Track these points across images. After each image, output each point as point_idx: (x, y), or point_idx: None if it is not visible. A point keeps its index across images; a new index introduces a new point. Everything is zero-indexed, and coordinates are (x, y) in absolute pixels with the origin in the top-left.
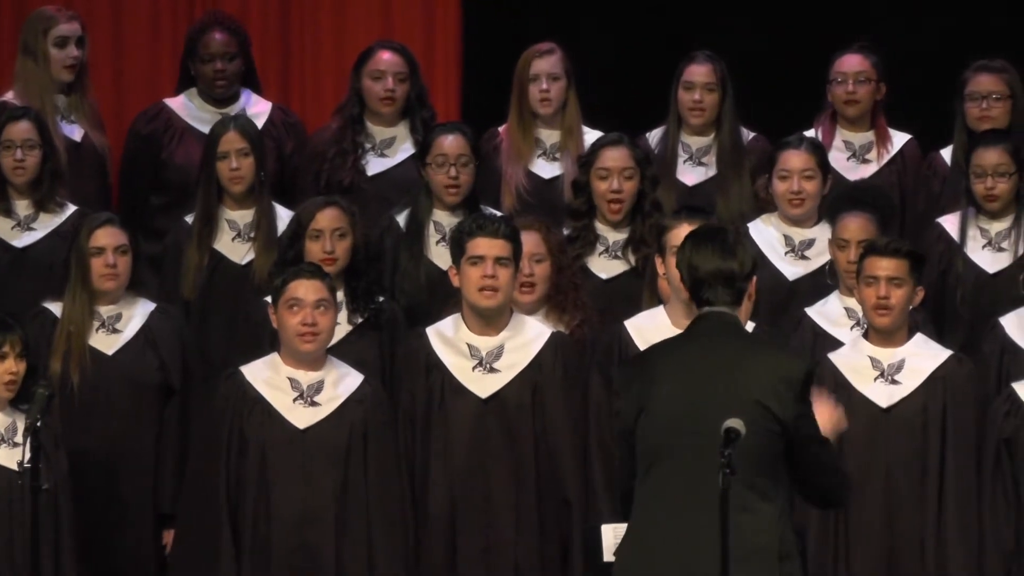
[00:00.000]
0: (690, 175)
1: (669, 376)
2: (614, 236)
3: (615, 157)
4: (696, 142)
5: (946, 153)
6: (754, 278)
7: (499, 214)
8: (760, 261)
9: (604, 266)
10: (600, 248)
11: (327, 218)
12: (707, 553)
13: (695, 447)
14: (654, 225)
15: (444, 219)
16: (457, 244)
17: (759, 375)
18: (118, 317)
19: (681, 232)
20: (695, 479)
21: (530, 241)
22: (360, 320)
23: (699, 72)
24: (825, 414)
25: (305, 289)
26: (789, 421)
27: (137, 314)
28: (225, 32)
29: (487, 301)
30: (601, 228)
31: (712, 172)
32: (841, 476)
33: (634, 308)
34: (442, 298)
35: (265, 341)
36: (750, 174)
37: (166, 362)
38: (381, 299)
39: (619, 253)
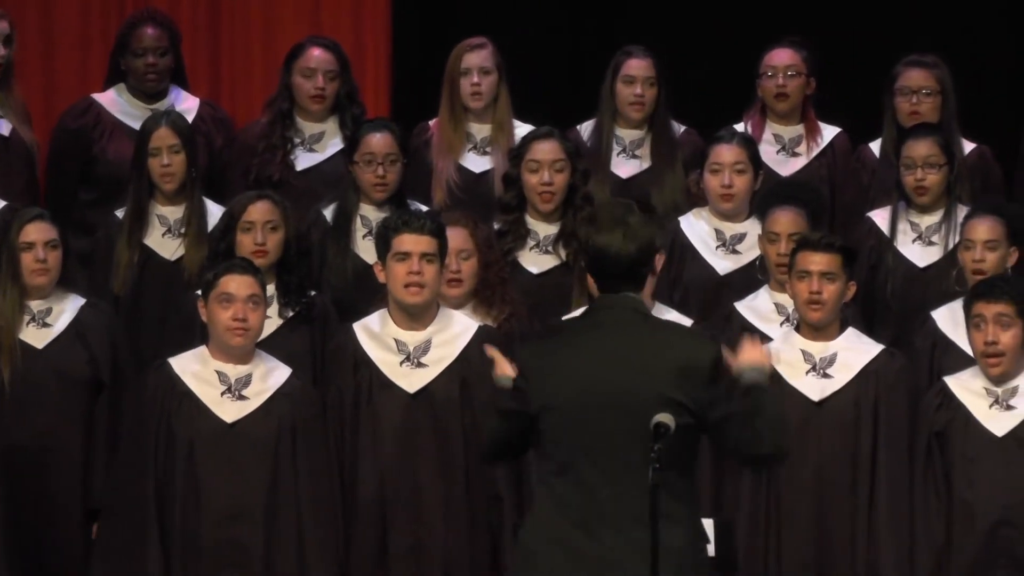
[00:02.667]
0: (624, 168)
1: (573, 369)
2: (545, 230)
3: (545, 150)
4: (629, 135)
5: (875, 146)
6: (657, 254)
7: (425, 210)
8: (691, 255)
9: (535, 260)
10: (531, 243)
11: (259, 211)
12: (606, 555)
13: (603, 444)
14: (585, 219)
15: (371, 213)
16: (382, 240)
17: (665, 368)
18: (48, 311)
19: None
20: (602, 478)
21: (457, 237)
22: (291, 314)
23: (640, 66)
24: (755, 356)
25: (237, 284)
26: (702, 409)
27: (67, 308)
28: (157, 27)
29: (413, 298)
30: (532, 222)
31: (646, 164)
32: (781, 432)
33: (565, 302)
34: (369, 292)
35: (197, 336)
36: (684, 166)
37: (96, 356)
38: (313, 293)
39: (550, 248)
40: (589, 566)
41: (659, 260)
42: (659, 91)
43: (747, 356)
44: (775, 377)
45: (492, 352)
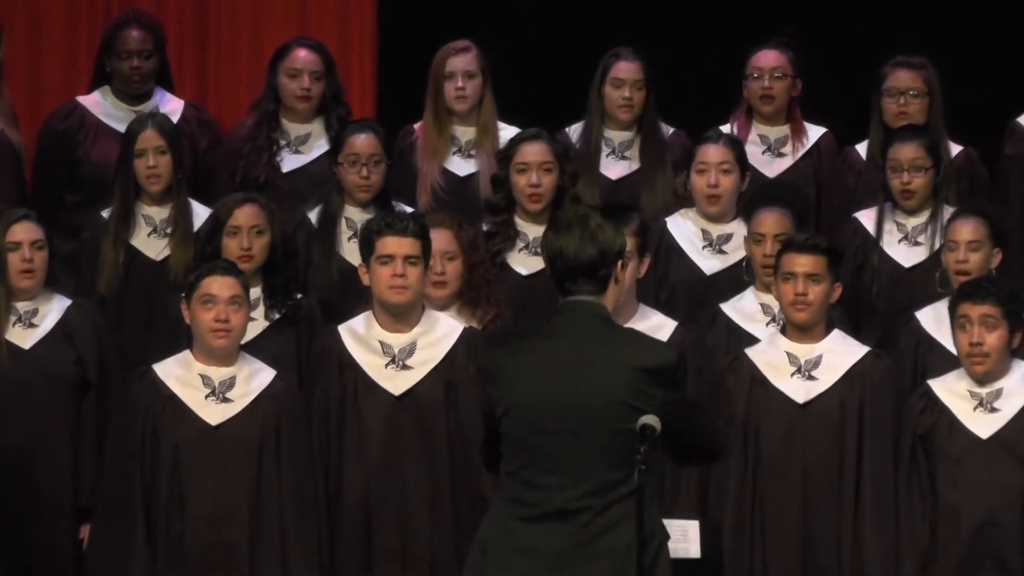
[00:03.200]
0: (613, 169)
1: (532, 373)
2: (534, 232)
3: (534, 151)
4: (618, 136)
5: (861, 148)
6: (619, 262)
7: (409, 211)
8: (677, 256)
9: (524, 262)
10: (520, 244)
11: (245, 215)
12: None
13: (559, 447)
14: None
15: (356, 215)
16: (366, 243)
17: (622, 373)
18: (35, 312)
19: None
20: (556, 480)
21: (441, 239)
22: (277, 316)
23: (629, 69)
24: None
25: (219, 285)
26: (654, 411)
27: (54, 309)
28: (143, 30)
29: (397, 297)
30: (521, 224)
31: (635, 166)
32: (719, 431)
33: (553, 304)
34: (354, 294)
35: (183, 336)
36: (672, 168)
37: (83, 356)
38: (299, 295)
39: (538, 249)
40: (536, 564)
41: (627, 268)
42: (647, 93)
43: None
44: (761, 380)
45: None
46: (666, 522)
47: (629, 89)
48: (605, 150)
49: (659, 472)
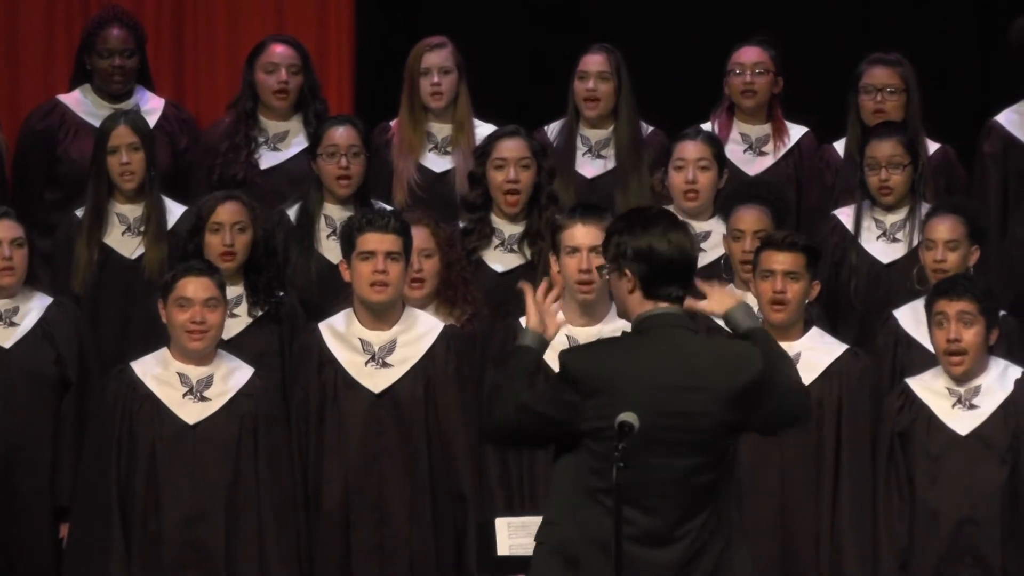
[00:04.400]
0: (589, 168)
1: (633, 386)
2: (510, 229)
3: (511, 147)
4: (595, 135)
5: (839, 146)
6: (576, 255)
7: (389, 208)
8: None
9: (500, 259)
10: (496, 241)
11: (227, 212)
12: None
13: (661, 466)
14: (550, 219)
15: (335, 213)
16: (347, 239)
17: (723, 393)
18: (15, 310)
19: (576, 232)
20: (655, 496)
21: (419, 236)
22: (260, 314)
23: (593, 61)
24: (727, 300)
25: (194, 287)
26: (751, 423)
27: (34, 307)
28: (124, 28)
29: (378, 296)
30: (497, 221)
31: (611, 165)
32: (802, 388)
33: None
34: (333, 292)
35: (162, 335)
36: (648, 167)
37: (63, 355)
38: (281, 293)
39: (515, 246)
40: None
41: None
42: (617, 87)
43: (719, 303)
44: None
45: (532, 296)
46: None
47: (594, 80)
48: (582, 148)
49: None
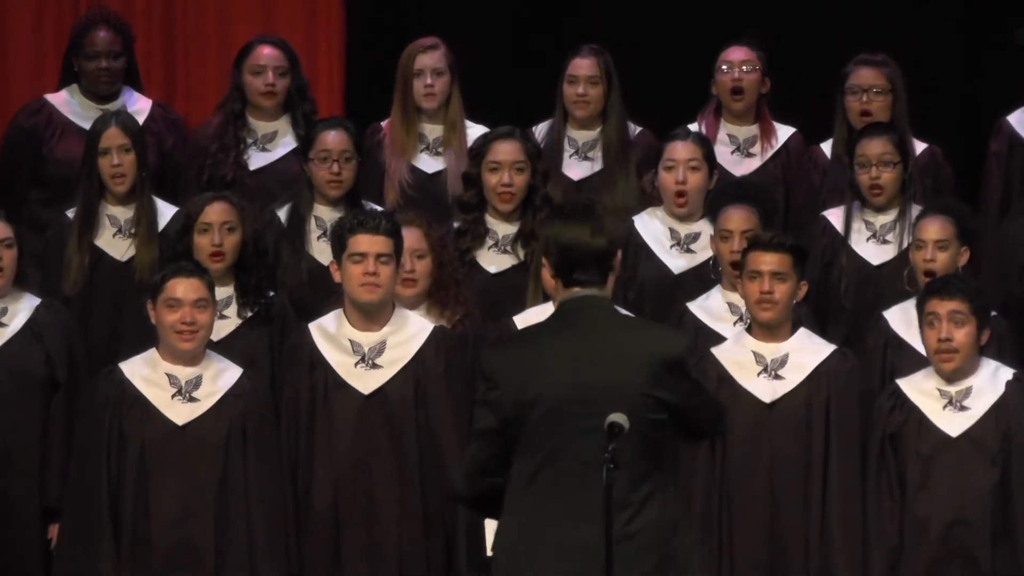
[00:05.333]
0: (576, 170)
1: (551, 369)
2: (504, 230)
3: (507, 150)
4: (582, 136)
5: (826, 146)
6: (619, 252)
7: (380, 209)
8: (645, 254)
9: (493, 260)
10: (490, 242)
11: (216, 212)
12: (596, 553)
13: (586, 442)
14: (544, 220)
15: (325, 214)
16: (338, 240)
17: (642, 366)
18: (4, 311)
19: None
20: (584, 479)
21: (411, 237)
22: (250, 314)
23: (583, 65)
24: None
25: (184, 288)
26: (680, 402)
27: (23, 308)
28: (111, 30)
29: (368, 296)
30: (491, 222)
31: (598, 167)
32: (718, 409)
33: (521, 302)
34: (324, 293)
35: (153, 336)
36: (636, 168)
37: (52, 356)
38: (271, 293)
39: (508, 247)
40: (574, 565)
41: (617, 259)
42: (607, 90)
43: None
44: (727, 379)
45: None
46: None
47: (583, 85)
48: (569, 150)
49: (667, 468)
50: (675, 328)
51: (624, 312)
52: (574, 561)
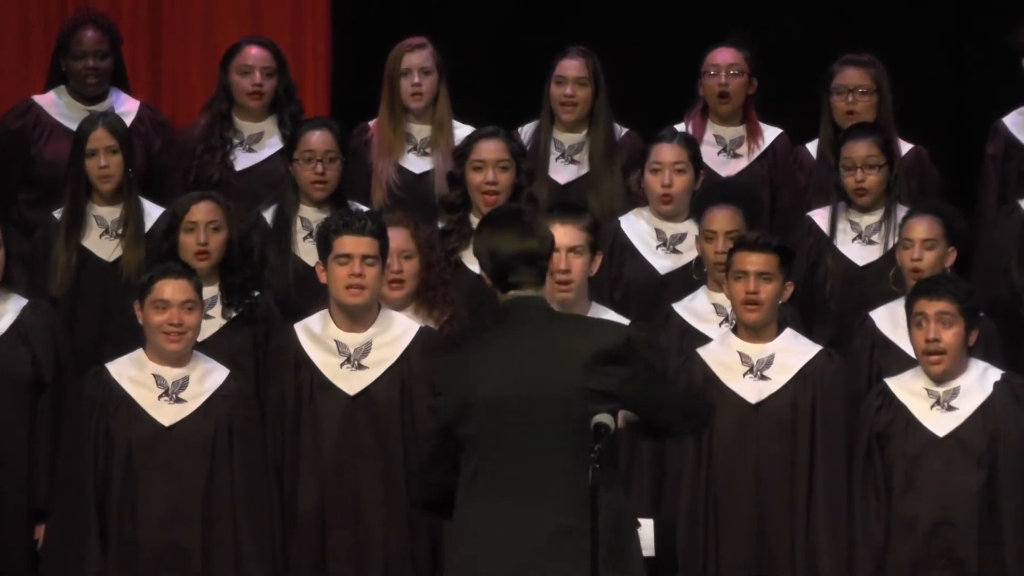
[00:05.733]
0: (562, 173)
1: (490, 369)
2: None
3: (491, 149)
4: (568, 139)
5: (812, 147)
6: (553, 255)
7: (366, 210)
8: (631, 255)
9: None
10: None
11: (202, 211)
12: (540, 547)
13: (526, 440)
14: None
15: (311, 215)
16: (324, 241)
17: (577, 359)
18: None
19: (555, 233)
20: (525, 474)
21: (398, 237)
22: (235, 315)
23: (571, 67)
24: None
25: (172, 289)
26: (617, 391)
27: (10, 309)
28: (98, 30)
29: (354, 298)
30: (476, 222)
31: (584, 170)
32: (697, 398)
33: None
34: (310, 294)
35: (140, 337)
36: (622, 170)
37: (39, 357)
38: (256, 293)
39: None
40: (518, 556)
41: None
42: (594, 92)
43: None
44: (713, 380)
45: None
46: None
47: (571, 86)
48: (555, 153)
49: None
50: (616, 324)
51: (560, 311)
52: (516, 559)
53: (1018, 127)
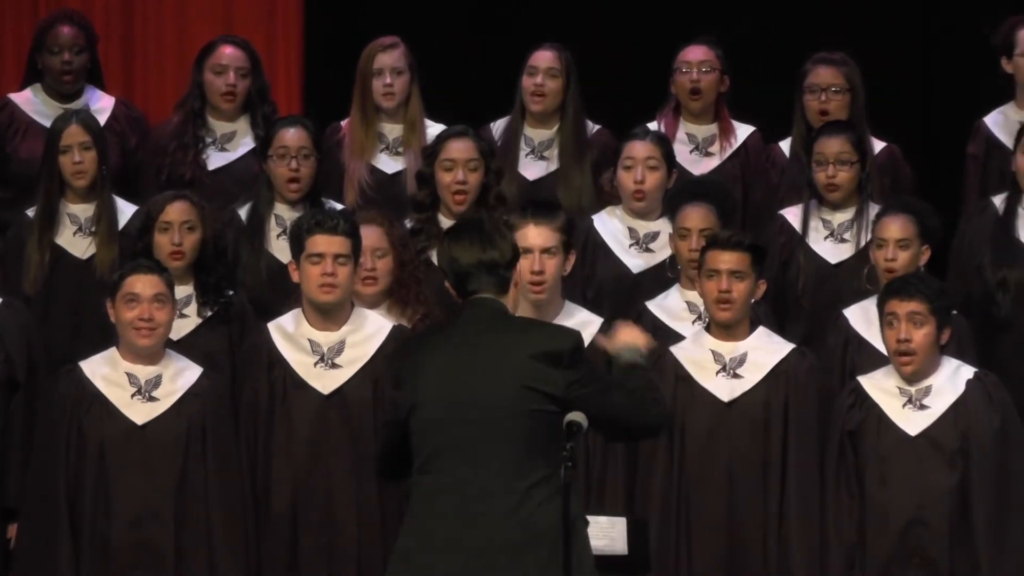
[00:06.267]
0: (531, 169)
1: (436, 368)
2: None
3: (460, 148)
4: (539, 135)
5: (785, 145)
6: (517, 266)
7: (339, 208)
8: (604, 253)
9: None
10: None
11: (176, 211)
12: (484, 545)
13: (469, 438)
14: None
15: (285, 213)
16: (296, 240)
17: (522, 358)
18: None
19: (528, 233)
20: (467, 474)
21: (372, 236)
22: (209, 314)
23: (543, 57)
24: (628, 337)
25: (142, 284)
26: (562, 393)
27: None
28: (74, 26)
29: (326, 296)
30: (445, 221)
31: (554, 166)
32: (656, 400)
33: None
34: (284, 292)
35: (112, 336)
36: (593, 167)
37: (11, 356)
38: (231, 292)
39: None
40: (463, 560)
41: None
42: (565, 86)
43: (621, 337)
44: (686, 378)
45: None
46: (593, 519)
47: (542, 76)
48: (525, 149)
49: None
50: (565, 328)
51: (514, 315)
52: (459, 559)
53: (999, 126)
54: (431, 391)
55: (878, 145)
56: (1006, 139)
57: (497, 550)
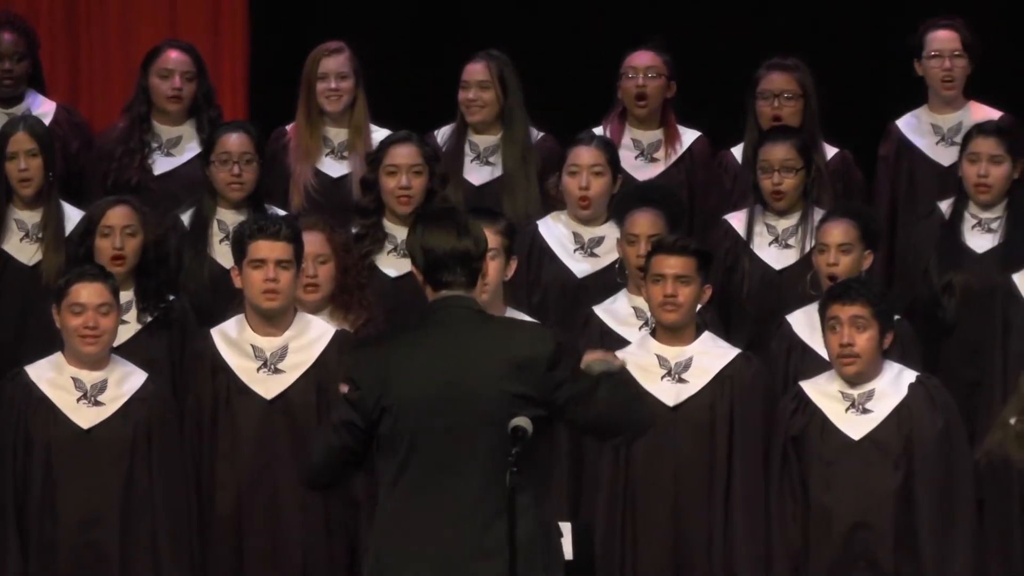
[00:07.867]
0: (476, 175)
1: (415, 370)
2: (403, 234)
3: (404, 154)
4: (483, 141)
5: (737, 151)
6: (487, 258)
7: (282, 214)
8: (549, 258)
9: (393, 264)
10: (389, 247)
11: (117, 216)
12: (462, 552)
13: (445, 445)
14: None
15: (228, 217)
16: (238, 246)
17: (505, 362)
18: None
19: None
20: (446, 480)
21: (314, 241)
22: (150, 319)
23: (473, 71)
24: (600, 354)
25: (88, 292)
26: (548, 396)
27: None
28: (14, 32)
29: (269, 303)
30: (390, 226)
31: (499, 172)
32: (638, 397)
33: (422, 306)
34: (226, 297)
35: (58, 341)
36: (538, 173)
37: None
38: (172, 298)
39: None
40: (435, 564)
41: (491, 265)
42: (501, 95)
43: (590, 356)
44: (631, 381)
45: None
46: None
47: (474, 90)
48: (470, 155)
49: (542, 469)
50: (546, 331)
51: (489, 313)
52: (436, 565)
53: (911, 128)
54: (407, 392)
55: (830, 151)
56: (918, 141)
57: (475, 558)
